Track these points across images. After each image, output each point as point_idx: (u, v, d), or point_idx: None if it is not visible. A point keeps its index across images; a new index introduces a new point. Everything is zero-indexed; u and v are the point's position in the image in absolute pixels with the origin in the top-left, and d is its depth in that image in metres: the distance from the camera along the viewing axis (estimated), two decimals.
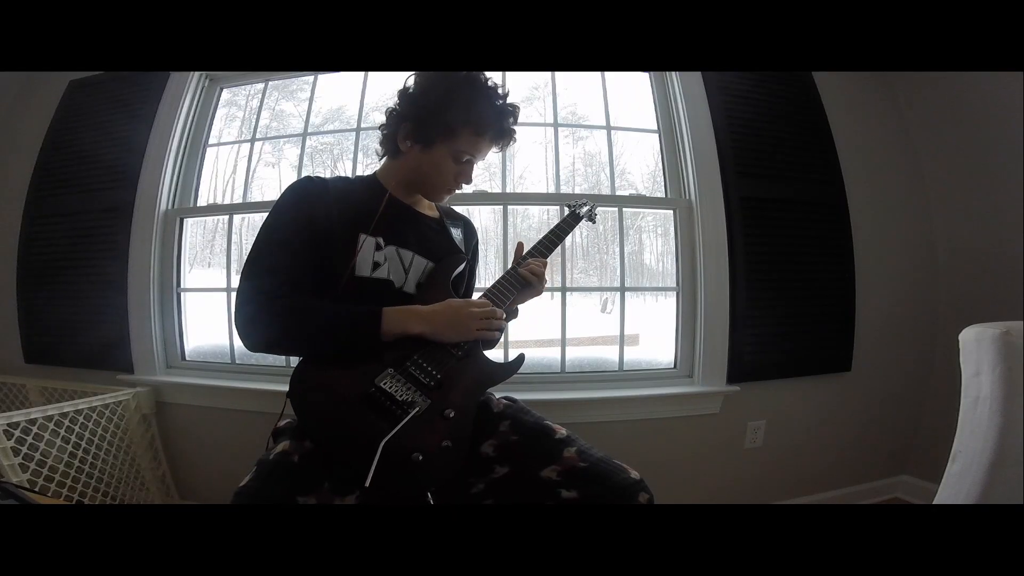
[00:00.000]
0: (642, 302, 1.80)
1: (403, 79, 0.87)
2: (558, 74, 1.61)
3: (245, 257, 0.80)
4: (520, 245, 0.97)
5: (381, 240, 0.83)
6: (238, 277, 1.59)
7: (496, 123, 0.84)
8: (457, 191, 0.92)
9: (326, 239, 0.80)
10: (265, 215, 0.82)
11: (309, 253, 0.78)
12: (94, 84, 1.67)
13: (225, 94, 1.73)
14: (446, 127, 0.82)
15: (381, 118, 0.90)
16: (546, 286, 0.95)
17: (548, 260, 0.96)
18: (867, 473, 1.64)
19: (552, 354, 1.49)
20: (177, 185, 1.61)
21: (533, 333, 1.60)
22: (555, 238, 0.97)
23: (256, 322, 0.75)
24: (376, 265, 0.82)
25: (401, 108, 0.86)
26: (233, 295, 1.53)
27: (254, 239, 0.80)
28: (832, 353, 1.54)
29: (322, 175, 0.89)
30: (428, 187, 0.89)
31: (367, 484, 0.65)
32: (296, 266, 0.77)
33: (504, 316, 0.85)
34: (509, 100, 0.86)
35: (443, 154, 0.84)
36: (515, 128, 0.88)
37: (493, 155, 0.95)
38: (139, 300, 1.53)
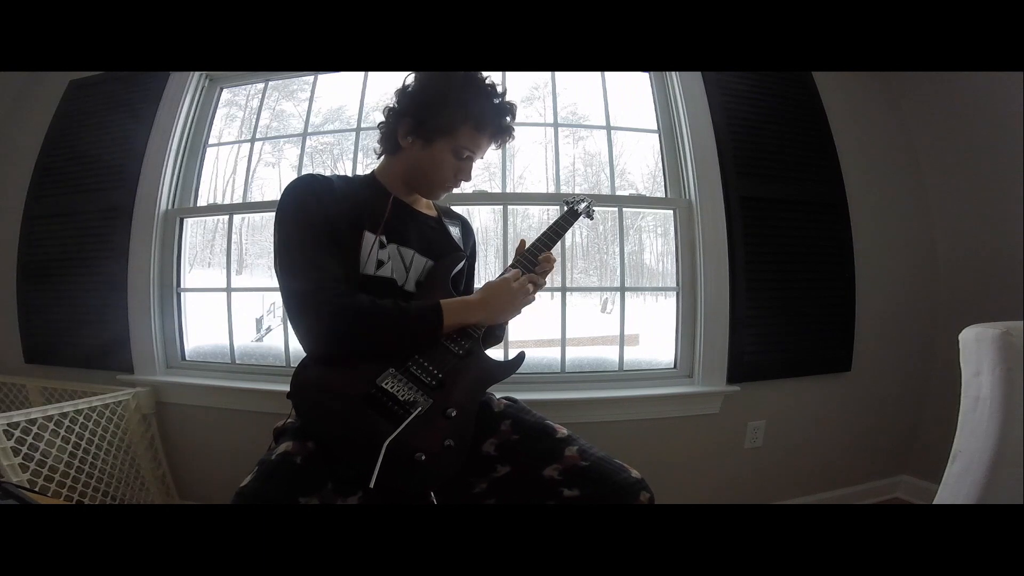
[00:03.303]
0: (642, 302, 1.80)
1: (402, 79, 0.87)
2: (558, 74, 1.61)
3: (277, 262, 0.78)
4: (522, 242, 0.97)
5: (384, 238, 0.84)
6: (236, 277, 1.58)
7: (495, 120, 0.85)
8: (455, 189, 0.92)
9: (336, 236, 0.80)
10: (265, 215, 0.82)
11: (335, 247, 0.78)
12: (94, 84, 1.66)
13: (225, 94, 1.73)
14: (447, 123, 0.82)
15: (381, 118, 0.90)
16: (544, 286, 0.95)
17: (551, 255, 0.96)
18: (867, 473, 1.64)
19: (552, 354, 1.49)
20: (177, 185, 1.61)
21: (533, 333, 1.60)
22: (553, 235, 0.97)
23: (320, 325, 0.73)
24: (380, 263, 0.83)
25: (400, 105, 0.86)
26: (234, 295, 1.56)
27: (280, 240, 0.78)
28: (832, 353, 1.54)
29: (322, 173, 0.89)
30: (427, 184, 0.89)
31: (371, 485, 0.65)
32: (335, 262, 0.77)
33: (542, 279, 0.91)
34: (507, 98, 0.86)
35: (443, 150, 0.84)
36: (513, 126, 0.89)
37: (493, 155, 0.95)
38: (139, 300, 1.53)
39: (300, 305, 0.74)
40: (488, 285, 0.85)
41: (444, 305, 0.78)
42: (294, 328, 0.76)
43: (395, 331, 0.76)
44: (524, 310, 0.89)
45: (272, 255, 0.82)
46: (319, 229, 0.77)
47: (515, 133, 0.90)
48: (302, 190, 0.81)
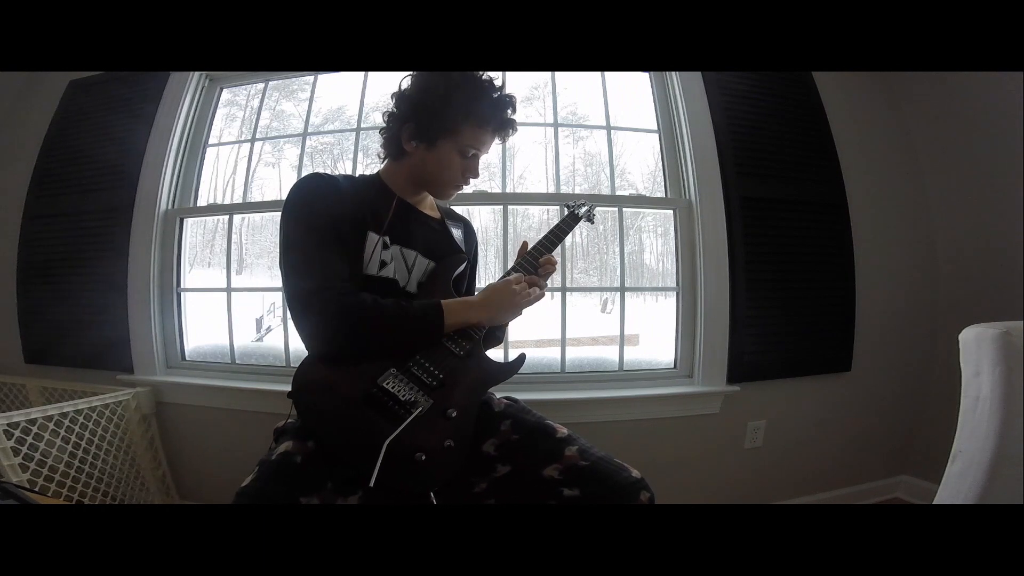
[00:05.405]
0: (642, 302, 1.80)
1: (398, 81, 0.87)
2: (558, 74, 1.61)
3: (282, 260, 0.77)
4: (524, 244, 0.97)
5: (387, 239, 0.84)
6: (236, 277, 1.58)
7: (496, 115, 0.85)
8: (465, 187, 0.92)
9: (341, 235, 0.79)
10: (265, 215, 0.82)
11: (340, 247, 0.78)
12: (94, 84, 1.67)
13: (225, 94, 1.73)
14: (449, 124, 0.83)
15: (381, 118, 0.90)
16: (546, 288, 0.95)
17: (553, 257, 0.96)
18: (867, 473, 1.64)
19: (552, 354, 1.49)
20: (177, 185, 1.61)
21: (533, 333, 1.60)
22: (554, 239, 0.97)
23: (324, 324, 0.73)
24: (383, 264, 0.83)
25: (400, 110, 0.86)
26: (234, 295, 1.56)
27: (286, 238, 0.78)
28: (832, 353, 1.54)
29: (328, 172, 0.89)
30: (436, 185, 0.89)
31: (371, 484, 0.65)
32: (340, 261, 0.77)
33: (543, 280, 0.91)
34: (506, 91, 0.86)
35: (448, 150, 0.84)
36: (515, 118, 0.88)
37: (494, 155, 0.95)
38: (139, 300, 1.53)
39: (304, 303, 0.73)
40: (491, 287, 0.85)
41: (445, 305, 0.79)
42: (297, 327, 0.75)
43: (397, 330, 0.76)
44: (525, 310, 0.89)
45: (276, 254, 0.82)
46: (325, 228, 0.77)
47: (517, 125, 0.89)
48: (309, 189, 0.80)
